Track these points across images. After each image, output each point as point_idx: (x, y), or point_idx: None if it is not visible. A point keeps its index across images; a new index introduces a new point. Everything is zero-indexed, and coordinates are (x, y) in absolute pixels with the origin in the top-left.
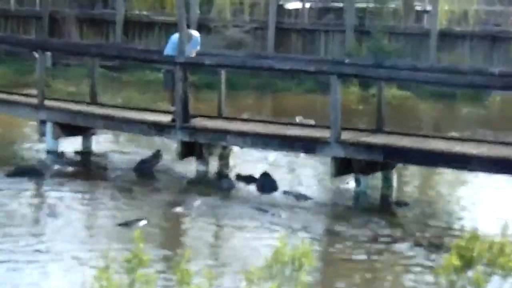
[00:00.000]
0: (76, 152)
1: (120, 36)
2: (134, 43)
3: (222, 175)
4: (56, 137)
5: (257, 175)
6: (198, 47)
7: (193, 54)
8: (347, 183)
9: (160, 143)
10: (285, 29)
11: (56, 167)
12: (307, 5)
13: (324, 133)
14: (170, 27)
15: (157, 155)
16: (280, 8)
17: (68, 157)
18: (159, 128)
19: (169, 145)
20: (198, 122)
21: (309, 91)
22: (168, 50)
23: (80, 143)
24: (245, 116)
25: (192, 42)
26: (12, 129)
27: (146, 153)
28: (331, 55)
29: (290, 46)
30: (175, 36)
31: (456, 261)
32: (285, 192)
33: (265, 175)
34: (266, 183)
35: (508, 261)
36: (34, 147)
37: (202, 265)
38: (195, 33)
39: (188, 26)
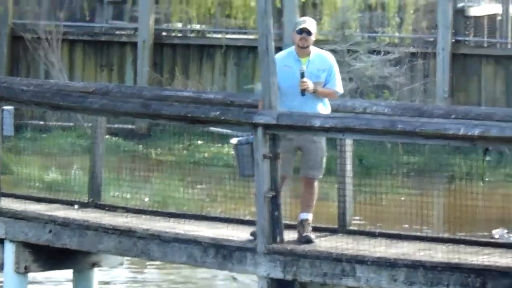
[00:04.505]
0: None
1: (146, 70)
2: (173, 83)
3: None
4: (22, 271)
5: None
6: (337, 91)
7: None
8: None
9: (224, 281)
10: (469, 55)
11: None
12: None
13: None
14: (250, 52)
15: None
16: (459, 15)
17: None
18: (225, 253)
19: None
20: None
21: None
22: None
23: (70, 284)
24: (386, 227)
25: (309, 70)
26: None
27: None
28: None
29: (477, 88)
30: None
31: None
32: None
33: None
34: None
35: None
36: None
37: None
38: (326, 56)
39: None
